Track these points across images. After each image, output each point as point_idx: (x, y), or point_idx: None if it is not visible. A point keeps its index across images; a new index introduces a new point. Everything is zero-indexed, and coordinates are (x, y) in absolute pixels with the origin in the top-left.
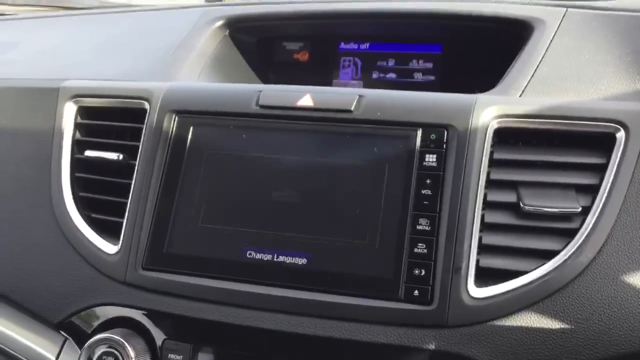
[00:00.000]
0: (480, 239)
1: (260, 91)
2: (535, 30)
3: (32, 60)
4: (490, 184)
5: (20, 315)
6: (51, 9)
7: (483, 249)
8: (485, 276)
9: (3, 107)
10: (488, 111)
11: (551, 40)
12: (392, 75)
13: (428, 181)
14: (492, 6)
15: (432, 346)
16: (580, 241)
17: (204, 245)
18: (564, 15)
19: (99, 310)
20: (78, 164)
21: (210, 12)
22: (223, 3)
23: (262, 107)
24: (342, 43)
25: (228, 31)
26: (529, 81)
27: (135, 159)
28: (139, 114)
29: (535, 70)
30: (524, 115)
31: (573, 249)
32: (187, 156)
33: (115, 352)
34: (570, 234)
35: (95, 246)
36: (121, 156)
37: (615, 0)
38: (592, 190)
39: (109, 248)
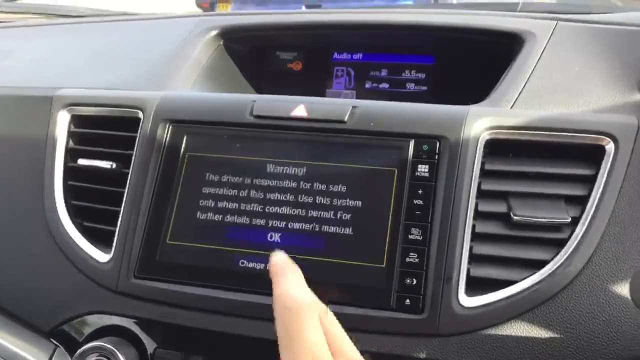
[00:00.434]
0: (471, 248)
1: (254, 101)
2: (526, 43)
3: (25, 68)
4: (481, 194)
5: (10, 323)
6: (45, 17)
7: (474, 258)
8: (476, 285)
9: None
10: (479, 123)
11: (542, 53)
12: (384, 85)
13: (420, 191)
14: (483, 19)
15: (423, 355)
16: (570, 251)
17: (197, 254)
18: (554, 29)
19: (90, 318)
20: (71, 172)
21: (204, 22)
22: (217, 13)
23: (256, 117)
24: (336, 53)
25: (222, 41)
26: (520, 93)
27: (129, 168)
28: (132, 123)
29: (526, 82)
30: (515, 127)
31: (562, 259)
32: (181, 165)
33: None
34: (560, 244)
35: (88, 254)
36: (114, 165)
37: (605, 14)
38: (581, 201)
39: (101, 256)
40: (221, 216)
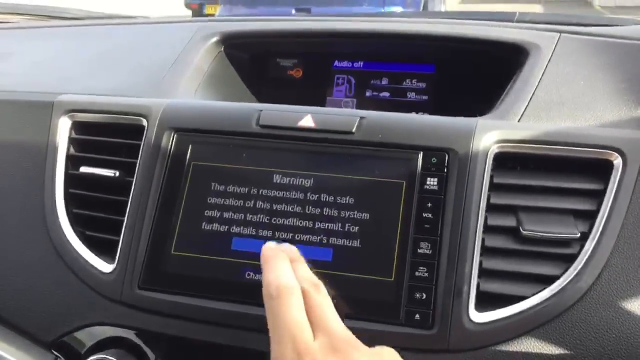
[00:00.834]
0: (480, 263)
1: (261, 111)
2: (531, 55)
3: (25, 72)
4: (491, 208)
5: (10, 333)
6: (38, 18)
7: (483, 273)
8: (486, 300)
9: None
10: (488, 136)
11: (546, 66)
12: (385, 94)
13: (429, 204)
14: (486, 29)
15: None
16: (580, 267)
17: (202, 265)
18: (557, 40)
19: (92, 329)
20: (72, 180)
21: (205, 28)
22: (216, 18)
23: (263, 126)
24: (336, 61)
25: (223, 47)
26: (527, 106)
27: (132, 176)
28: (136, 131)
29: (532, 95)
30: (524, 140)
31: (572, 275)
32: (186, 174)
33: None
34: (569, 259)
35: (90, 264)
36: (117, 173)
37: (608, 27)
38: (590, 216)
39: (104, 267)
40: (227, 227)
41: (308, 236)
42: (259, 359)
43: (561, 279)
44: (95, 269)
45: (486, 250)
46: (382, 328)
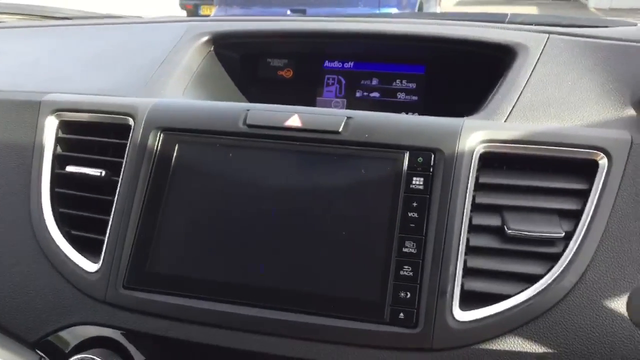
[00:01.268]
0: (465, 262)
1: (248, 110)
2: (519, 56)
3: (14, 72)
4: (476, 207)
5: None
6: (34, 18)
7: (468, 272)
8: (470, 299)
9: None
10: (474, 136)
11: (534, 66)
12: (375, 95)
13: (415, 204)
14: (475, 30)
15: None
16: (563, 266)
17: (187, 265)
18: (546, 42)
19: (77, 329)
20: (59, 179)
21: (195, 28)
22: (207, 18)
23: (250, 126)
24: (327, 61)
25: (213, 47)
26: (514, 107)
27: (118, 176)
28: (122, 130)
29: (519, 95)
30: (509, 140)
31: (556, 274)
32: (172, 174)
33: None
34: (554, 258)
35: (75, 264)
36: (103, 172)
37: (596, 29)
38: (575, 216)
39: (89, 266)
40: (212, 226)
41: (294, 234)
42: (243, 357)
43: (545, 278)
44: (81, 268)
45: (471, 250)
46: (366, 327)
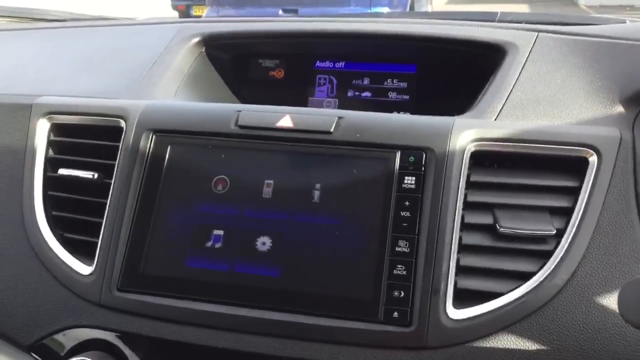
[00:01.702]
0: (458, 260)
1: (240, 111)
2: (508, 55)
3: (5, 75)
4: (468, 206)
5: None
6: (25, 21)
7: (461, 270)
8: (463, 297)
9: None
10: (465, 134)
11: (524, 65)
12: (367, 94)
13: (407, 203)
14: (465, 29)
15: None
16: (555, 263)
17: (181, 267)
18: (535, 40)
19: (72, 332)
20: (51, 182)
21: (186, 29)
22: (198, 20)
23: (242, 127)
24: (318, 61)
25: (204, 48)
26: (504, 105)
27: (111, 178)
28: (114, 132)
29: (509, 94)
30: (500, 138)
31: (548, 271)
32: (165, 176)
33: None
34: (545, 255)
35: (69, 267)
36: (96, 175)
37: (586, 27)
38: (566, 213)
39: (83, 269)
40: (205, 228)
41: (286, 235)
42: (237, 358)
43: (537, 275)
44: (74, 271)
45: (463, 248)
46: (360, 326)
